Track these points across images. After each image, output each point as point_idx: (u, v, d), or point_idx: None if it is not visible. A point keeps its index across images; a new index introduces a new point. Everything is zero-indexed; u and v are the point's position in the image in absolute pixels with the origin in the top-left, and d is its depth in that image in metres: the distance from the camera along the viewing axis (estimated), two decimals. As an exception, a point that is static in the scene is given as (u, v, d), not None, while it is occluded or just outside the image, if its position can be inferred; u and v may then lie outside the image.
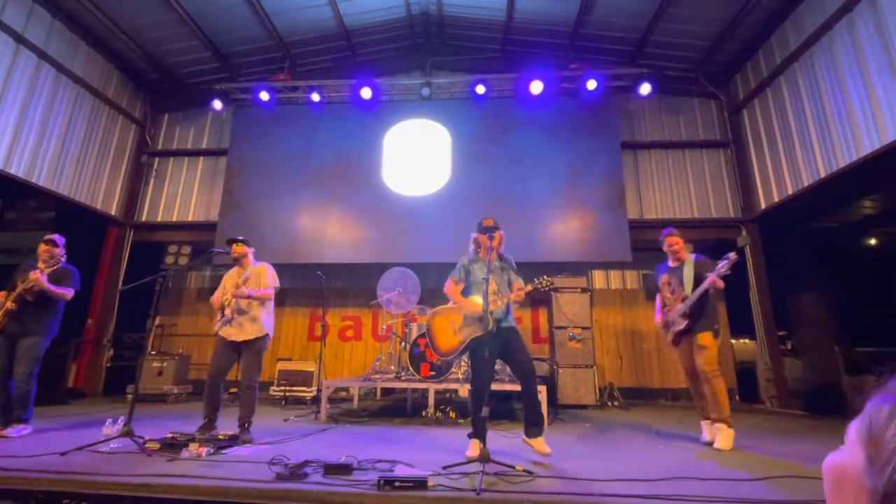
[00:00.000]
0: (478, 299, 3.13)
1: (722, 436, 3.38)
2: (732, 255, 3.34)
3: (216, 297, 3.81)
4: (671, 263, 3.84)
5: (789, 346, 7.13)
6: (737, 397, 6.51)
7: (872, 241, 7.58)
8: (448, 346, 3.21)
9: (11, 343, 3.63)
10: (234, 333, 3.65)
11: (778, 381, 6.26)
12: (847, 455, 0.50)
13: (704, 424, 3.64)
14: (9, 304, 3.60)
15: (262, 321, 3.71)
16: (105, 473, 2.41)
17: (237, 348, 3.67)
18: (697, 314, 3.54)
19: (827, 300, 6.53)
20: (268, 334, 3.73)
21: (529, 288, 3.07)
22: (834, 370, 6.14)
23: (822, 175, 5.44)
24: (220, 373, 3.63)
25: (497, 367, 4.40)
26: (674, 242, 3.81)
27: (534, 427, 3.07)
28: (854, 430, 0.50)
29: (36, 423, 3.74)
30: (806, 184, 5.71)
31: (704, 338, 3.50)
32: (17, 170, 5.79)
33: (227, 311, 3.67)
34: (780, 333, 6.71)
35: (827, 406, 5.38)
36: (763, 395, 6.34)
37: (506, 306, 3.17)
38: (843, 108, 5.13)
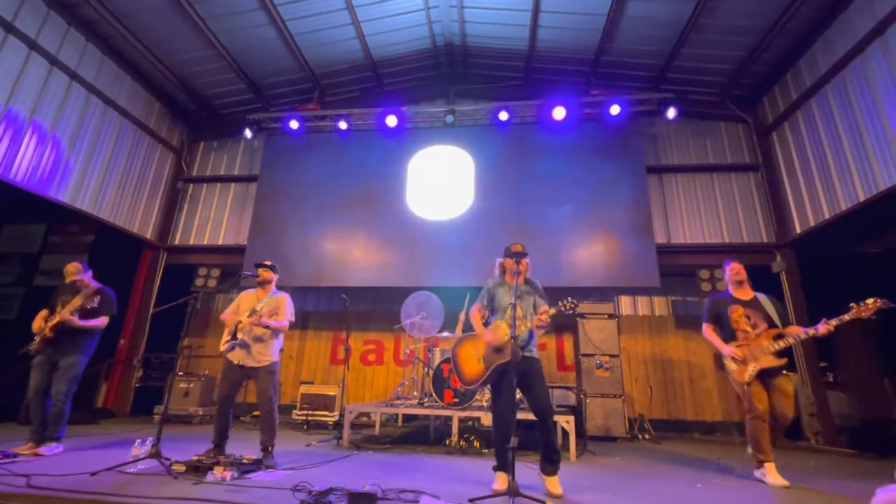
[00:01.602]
0: (503, 326, 3.08)
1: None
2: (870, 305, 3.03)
3: (228, 315, 3.76)
4: (737, 294, 3.71)
5: (832, 379, 6.73)
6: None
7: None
8: (472, 373, 3.14)
9: (51, 362, 3.75)
10: (245, 359, 3.64)
11: (822, 416, 5.89)
12: None
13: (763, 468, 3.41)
14: (46, 333, 3.72)
15: (273, 349, 3.73)
16: (133, 496, 2.42)
17: (246, 373, 3.66)
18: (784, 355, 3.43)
19: (871, 329, 6.17)
20: (276, 361, 3.74)
21: (553, 311, 2.99)
22: (883, 404, 5.74)
23: (861, 198, 5.24)
24: (230, 397, 3.63)
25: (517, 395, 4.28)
26: (739, 271, 3.72)
27: (548, 465, 2.95)
28: None
29: (66, 443, 3.81)
30: (843, 207, 5.51)
31: (789, 382, 3.43)
32: (64, 196, 6.12)
33: (241, 336, 3.65)
34: (821, 365, 6.35)
35: (877, 443, 5.01)
36: (807, 431, 5.96)
37: (529, 332, 3.10)
38: (880, 130, 4.98)
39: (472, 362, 3.17)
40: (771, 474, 3.30)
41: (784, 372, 3.42)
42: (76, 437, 4.34)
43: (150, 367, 7.33)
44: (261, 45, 6.97)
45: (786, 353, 3.39)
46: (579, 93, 7.37)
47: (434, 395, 4.74)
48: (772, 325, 3.49)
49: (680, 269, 6.96)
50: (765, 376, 3.40)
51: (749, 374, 3.40)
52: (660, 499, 2.87)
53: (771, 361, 3.37)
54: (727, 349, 3.55)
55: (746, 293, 3.69)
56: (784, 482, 3.22)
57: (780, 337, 3.41)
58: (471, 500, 2.54)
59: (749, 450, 3.51)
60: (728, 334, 3.63)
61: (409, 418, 6.49)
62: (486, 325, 3.27)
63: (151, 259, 7.81)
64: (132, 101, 7.21)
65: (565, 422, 4.29)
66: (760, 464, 3.38)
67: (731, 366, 3.52)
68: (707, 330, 3.76)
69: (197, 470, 3.01)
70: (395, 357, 7.48)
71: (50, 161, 5.89)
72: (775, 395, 3.38)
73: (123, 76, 7.01)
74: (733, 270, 3.76)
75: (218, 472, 2.91)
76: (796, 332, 3.36)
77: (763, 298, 3.65)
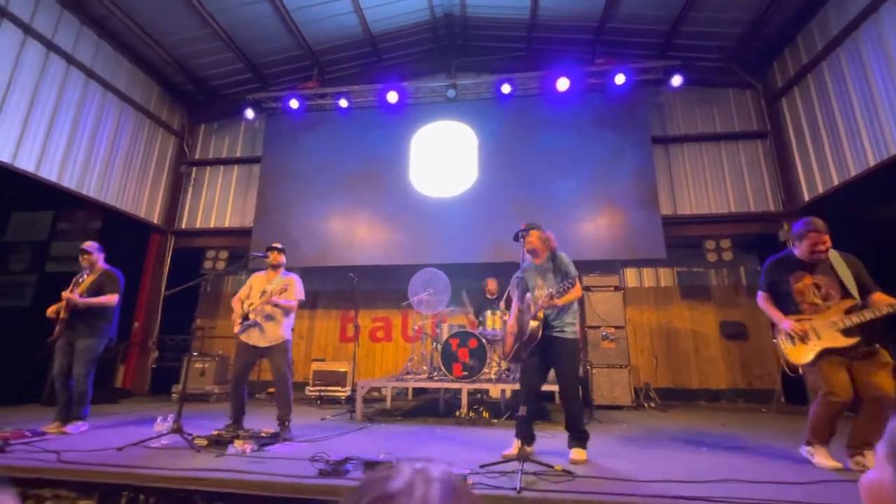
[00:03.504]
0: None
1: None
2: None
3: (237, 301, 3.89)
4: (805, 258, 2.89)
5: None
6: (782, 399, 6.24)
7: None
8: (507, 347, 3.32)
9: (70, 343, 3.87)
10: (258, 339, 3.75)
11: (826, 381, 5.94)
12: (879, 472, 0.58)
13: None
14: (62, 315, 3.84)
15: (284, 328, 3.83)
16: (159, 467, 2.54)
17: (259, 352, 3.78)
18: (872, 329, 2.67)
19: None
20: (288, 339, 3.85)
21: (556, 301, 2.95)
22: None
23: (871, 164, 5.16)
24: (243, 375, 3.77)
25: None
26: (822, 241, 2.81)
27: (573, 441, 3.08)
28: (881, 449, 0.58)
29: (90, 421, 3.95)
30: (853, 173, 5.43)
31: (885, 352, 2.69)
32: (70, 182, 6.15)
33: (252, 316, 3.76)
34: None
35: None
36: (811, 397, 6.04)
37: (555, 311, 3.10)
38: (892, 93, 4.85)
39: (510, 337, 3.32)
40: (820, 455, 2.78)
41: (882, 347, 2.70)
42: (99, 416, 4.49)
43: (165, 349, 7.50)
44: (257, 23, 6.82)
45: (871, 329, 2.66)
46: (583, 62, 7.20)
47: (443, 368, 4.84)
48: (846, 294, 2.75)
49: (686, 241, 6.94)
50: (836, 356, 2.71)
51: (810, 356, 2.74)
52: (666, 463, 2.95)
53: (837, 341, 2.69)
54: (786, 322, 2.86)
55: (817, 257, 2.88)
56: (836, 463, 2.68)
57: (853, 310, 2.70)
58: (482, 466, 2.63)
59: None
60: (789, 306, 2.92)
61: (419, 392, 6.64)
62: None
63: (159, 243, 7.88)
64: (131, 86, 7.14)
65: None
66: (810, 443, 2.84)
67: (785, 345, 2.86)
68: (763, 300, 3.07)
69: (218, 444, 3.13)
70: (403, 333, 7.60)
71: (53, 147, 5.89)
72: (866, 371, 2.66)
73: (121, 60, 6.92)
74: (811, 240, 2.81)
75: (238, 445, 3.03)
76: (880, 303, 2.63)
77: (836, 258, 2.83)
